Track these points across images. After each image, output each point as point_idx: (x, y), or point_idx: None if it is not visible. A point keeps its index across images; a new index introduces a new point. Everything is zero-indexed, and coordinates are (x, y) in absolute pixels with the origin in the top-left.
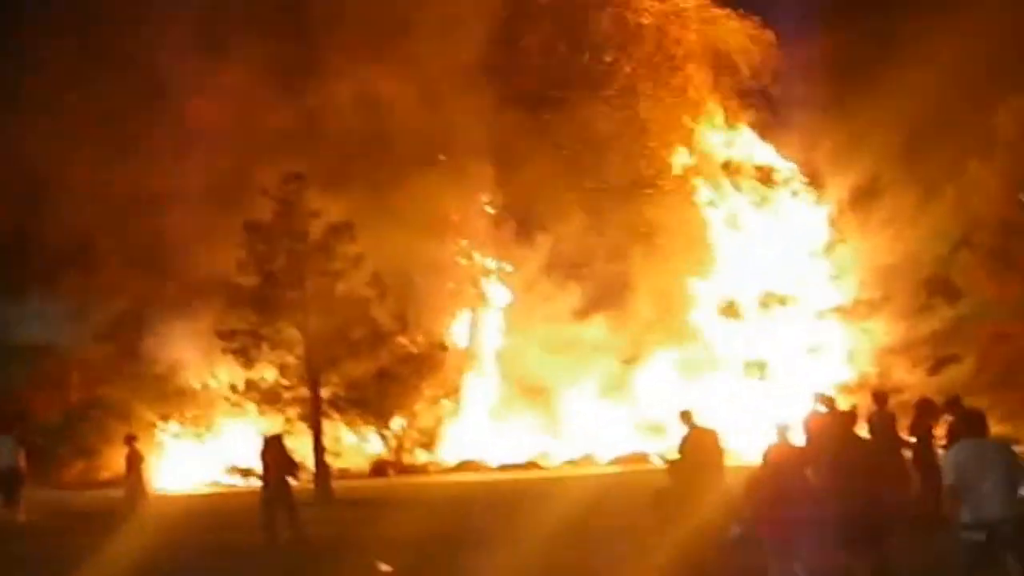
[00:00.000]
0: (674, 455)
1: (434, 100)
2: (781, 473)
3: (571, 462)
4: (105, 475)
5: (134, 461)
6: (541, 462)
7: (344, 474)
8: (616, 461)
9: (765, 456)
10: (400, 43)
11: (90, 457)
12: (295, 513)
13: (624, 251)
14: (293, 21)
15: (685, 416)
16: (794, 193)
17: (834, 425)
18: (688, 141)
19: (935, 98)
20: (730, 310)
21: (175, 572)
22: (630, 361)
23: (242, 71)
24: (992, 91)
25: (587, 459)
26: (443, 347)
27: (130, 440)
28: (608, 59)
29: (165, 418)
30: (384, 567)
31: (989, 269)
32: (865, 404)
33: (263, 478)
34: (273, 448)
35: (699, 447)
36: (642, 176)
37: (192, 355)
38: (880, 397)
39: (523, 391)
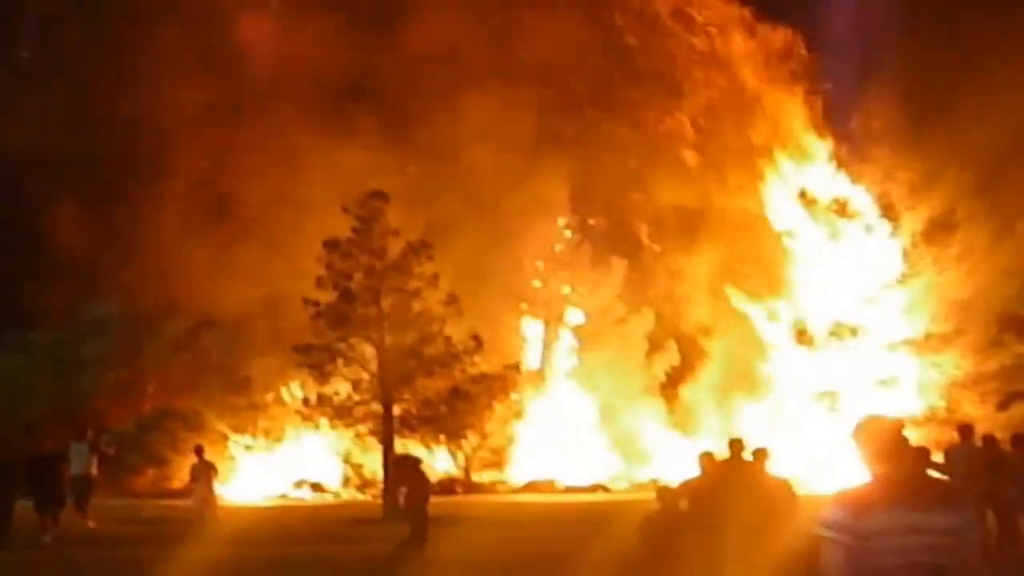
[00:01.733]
0: None
1: (516, 121)
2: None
3: (638, 485)
4: (176, 484)
5: (203, 472)
6: (609, 485)
7: None
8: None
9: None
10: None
11: (161, 466)
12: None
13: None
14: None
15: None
16: (869, 227)
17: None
18: (766, 171)
19: (1014, 130)
20: (803, 338)
21: None
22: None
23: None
24: None
25: (654, 483)
26: (516, 367)
27: (199, 451)
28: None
29: (237, 430)
30: None
31: None
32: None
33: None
34: (408, 469)
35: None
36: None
37: (266, 368)
38: (965, 430)
39: (594, 414)
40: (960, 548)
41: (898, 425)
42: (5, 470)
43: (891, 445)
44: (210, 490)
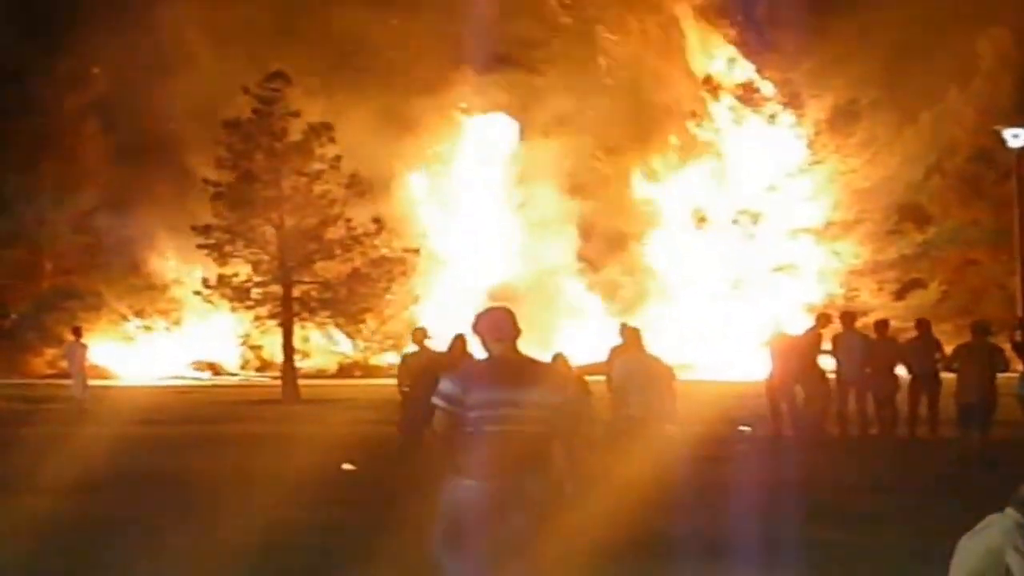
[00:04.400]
0: None
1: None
2: None
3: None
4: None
5: (75, 352)
6: None
7: (313, 374)
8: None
9: None
10: None
11: (60, 346)
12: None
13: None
14: None
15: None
16: (772, 115)
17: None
18: (671, 57)
19: (918, 23)
20: (702, 224)
21: (137, 462)
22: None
23: None
24: (973, 20)
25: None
26: (415, 251)
27: (76, 332)
28: None
29: (136, 311)
30: (347, 466)
31: (960, 196)
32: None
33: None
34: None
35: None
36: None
37: (166, 250)
38: (847, 318)
39: (491, 297)
40: (553, 421)
41: (509, 314)
42: None
43: (501, 331)
44: (82, 370)
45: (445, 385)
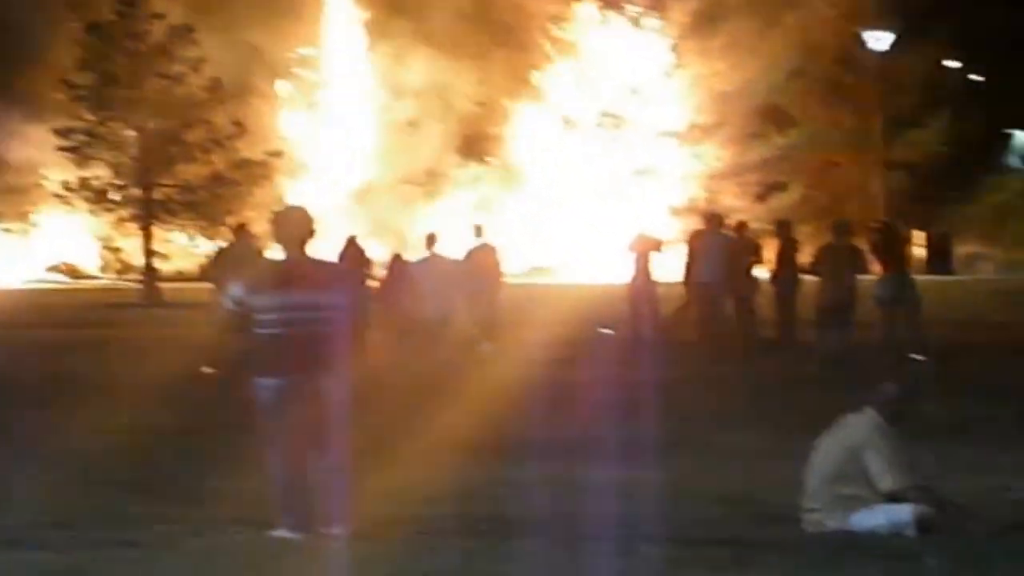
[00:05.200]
0: None
1: None
2: None
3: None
4: None
5: None
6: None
7: (174, 277)
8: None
9: None
10: None
11: None
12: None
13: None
14: None
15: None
16: (635, 18)
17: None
18: None
19: None
20: (567, 126)
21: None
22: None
23: None
24: None
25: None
26: (277, 154)
27: None
28: None
29: None
30: (207, 369)
31: (822, 99)
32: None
33: None
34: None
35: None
36: None
37: (24, 152)
38: (711, 219)
39: (354, 200)
40: (334, 321)
41: (304, 215)
42: None
43: (291, 232)
44: None
45: (235, 289)
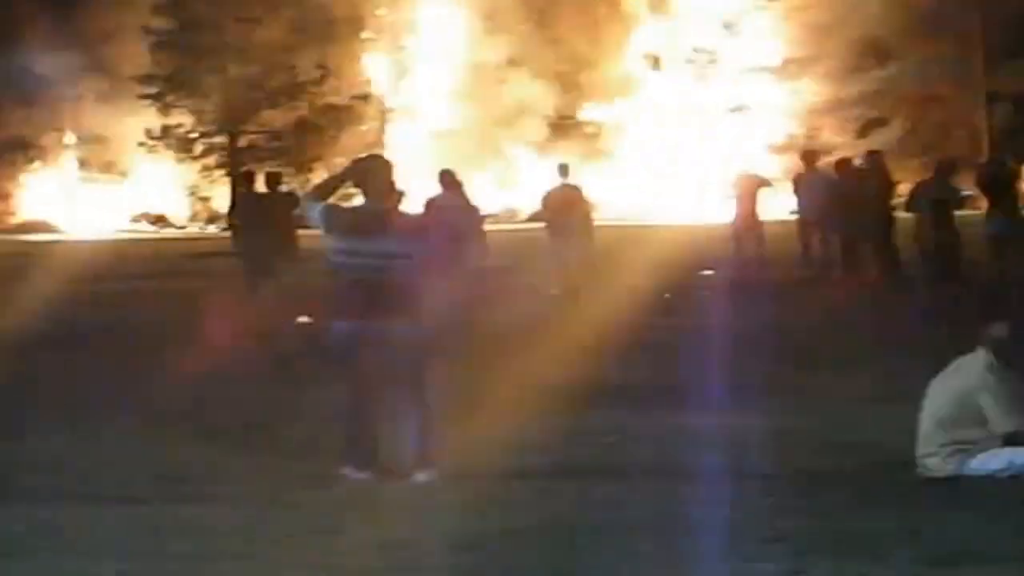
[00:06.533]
0: None
1: None
2: None
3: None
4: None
5: None
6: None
7: None
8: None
9: None
10: None
11: (3, 200)
12: None
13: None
14: None
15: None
16: None
17: None
18: None
19: None
20: (656, 65)
21: (82, 318)
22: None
23: None
24: None
25: (510, 214)
26: (364, 98)
27: None
28: None
29: (79, 163)
30: (304, 319)
31: (922, 30)
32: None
33: None
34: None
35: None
36: None
37: (107, 100)
38: (808, 157)
39: (441, 142)
40: (398, 269)
41: (384, 164)
42: None
43: (368, 182)
44: None
45: (316, 216)
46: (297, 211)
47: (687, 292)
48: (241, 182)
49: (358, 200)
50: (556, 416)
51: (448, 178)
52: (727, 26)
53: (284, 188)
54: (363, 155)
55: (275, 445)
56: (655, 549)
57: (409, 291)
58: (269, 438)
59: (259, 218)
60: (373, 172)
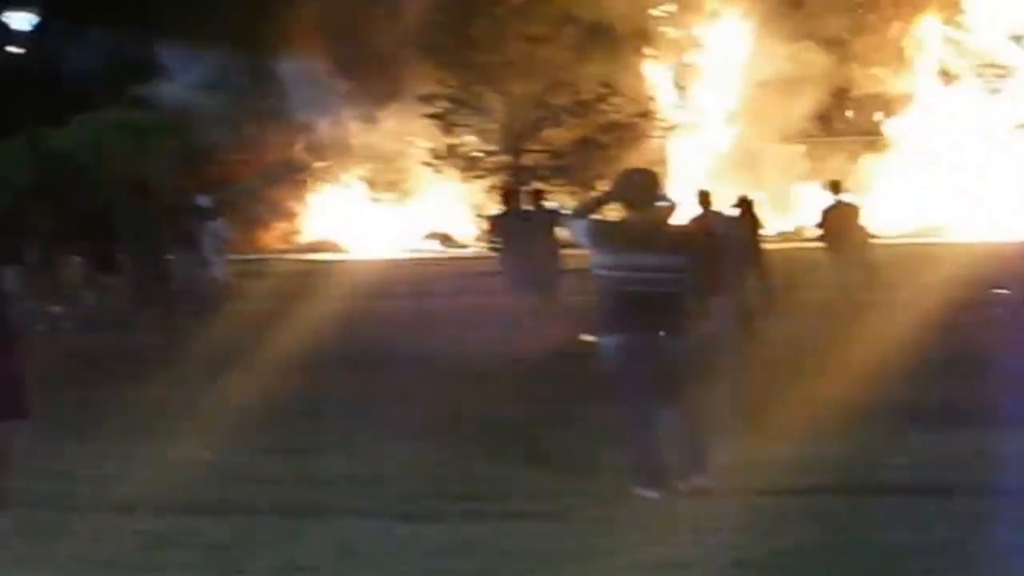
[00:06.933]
0: None
1: None
2: None
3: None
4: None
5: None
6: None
7: None
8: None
9: None
10: None
11: (291, 220)
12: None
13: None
14: None
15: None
16: None
17: None
18: None
19: None
20: (946, 79)
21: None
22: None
23: None
24: None
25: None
26: (647, 115)
27: None
28: None
29: (366, 182)
30: (586, 337)
31: None
32: None
33: None
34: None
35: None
36: None
37: (391, 120)
38: None
39: (729, 160)
40: (670, 282)
41: (652, 178)
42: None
43: (635, 194)
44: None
45: (582, 235)
46: (560, 228)
47: (979, 310)
48: (505, 200)
49: (617, 214)
50: (841, 435)
51: (706, 198)
52: (1016, 39)
53: (547, 205)
54: (626, 168)
55: (560, 463)
56: (959, 569)
57: (681, 304)
58: (555, 455)
59: (522, 236)
60: (639, 185)
